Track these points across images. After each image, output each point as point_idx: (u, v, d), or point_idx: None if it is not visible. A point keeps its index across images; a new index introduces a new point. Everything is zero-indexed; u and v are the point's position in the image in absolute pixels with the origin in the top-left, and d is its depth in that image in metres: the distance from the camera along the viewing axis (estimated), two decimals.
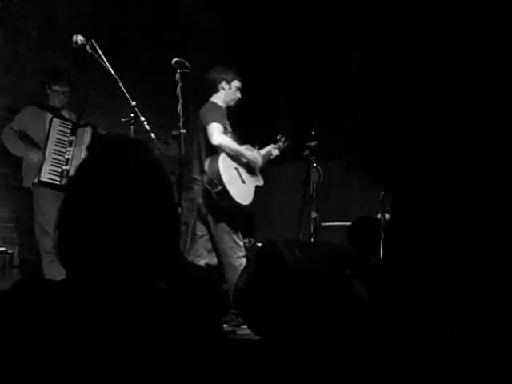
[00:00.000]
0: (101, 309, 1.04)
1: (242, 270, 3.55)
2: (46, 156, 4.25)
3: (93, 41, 3.62)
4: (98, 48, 3.62)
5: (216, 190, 4.08)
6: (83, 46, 3.65)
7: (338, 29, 6.25)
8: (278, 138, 4.77)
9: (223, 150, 4.14)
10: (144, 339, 1.04)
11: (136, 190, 1.10)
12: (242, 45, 6.61)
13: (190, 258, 4.16)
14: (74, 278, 1.09)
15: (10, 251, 4.25)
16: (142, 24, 5.79)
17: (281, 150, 4.74)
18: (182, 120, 3.85)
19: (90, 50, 3.63)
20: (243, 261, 4.21)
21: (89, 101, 5.34)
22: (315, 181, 4.19)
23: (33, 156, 4.26)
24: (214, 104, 4.30)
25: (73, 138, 4.37)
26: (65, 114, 4.46)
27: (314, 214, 4.14)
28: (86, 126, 4.44)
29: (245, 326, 3.72)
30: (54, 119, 4.33)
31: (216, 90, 4.35)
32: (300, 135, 4.66)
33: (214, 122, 4.12)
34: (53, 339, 1.00)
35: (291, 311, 2.90)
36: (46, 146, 4.28)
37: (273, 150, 4.68)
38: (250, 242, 5.38)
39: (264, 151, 4.61)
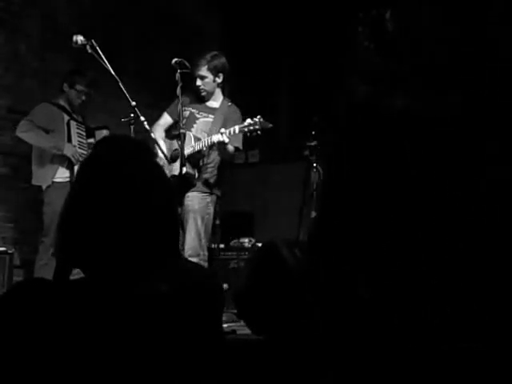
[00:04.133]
0: (103, 310, 1.04)
1: (242, 270, 3.56)
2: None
3: (93, 41, 3.62)
4: (98, 48, 3.62)
5: None
6: (83, 46, 3.65)
7: (339, 28, 6.25)
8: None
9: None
10: (146, 340, 1.04)
11: (135, 190, 1.10)
12: (241, 45, 6.61)
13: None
14: (75, 279, 1.09)
15: (10, 251, 4.24)
16: (142, 24, 5.79)
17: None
18: (181, 120, 3.86)
19: (90, 50, 3.63)
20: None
21: (89, 101, 5.33)
22: (315, 181, 4.18)
23: (70, 148, 4.24)
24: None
25: (92, 140, 4.40)
26: (74, 115, 4.45)
27: (314, 214, 4.14)
28: (101, 128, 4.46)
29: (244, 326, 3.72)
30: (71, 122, 4.33)
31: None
32: (300, 135, 4.64)
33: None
34: (55, 340, 1.00)
35: (291, 311, 2.90)
36: None
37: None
38: (250, 241, 5.38)
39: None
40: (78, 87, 4.38)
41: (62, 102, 4.39)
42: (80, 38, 3.65)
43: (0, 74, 4.75)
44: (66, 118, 4.33)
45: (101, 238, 1.07)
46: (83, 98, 4.41)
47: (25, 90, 4.74)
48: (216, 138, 3.94)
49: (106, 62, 3.60)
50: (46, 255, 4.12)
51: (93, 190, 1.09)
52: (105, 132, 4.40)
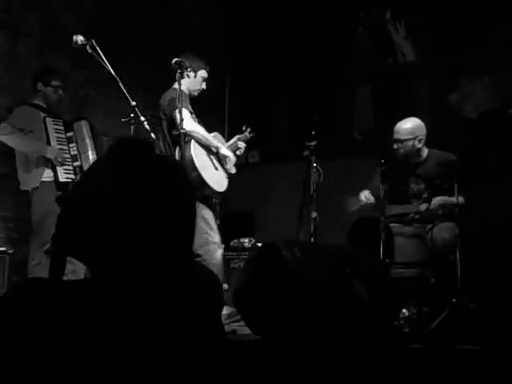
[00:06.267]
0: (106, 309, 1.04)
1: (242, 270, 3.56)
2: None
3: (93, 41, 3.63)
4: (98, 48, 3.62)
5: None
6: (83, 46, 3.65)
7: (341, 29, 6.24)
8: (244, 128, 4.65)
9: (193, 137, 4.07)
10: (147, 340, 1.04)
11: (149, 193, 1.09)
12: (242, 45, 6.61)
13: None
14: (77, 279, 1.09)
15: (9, 251, 4.24)
16: (142, 24, 5.79)
17: (246, 142, 4.60)
18: (182, 120, 3.86)
19: (90, 50, 3.63)
20: (217, 247, 4.20)
21: (89, 101, 5.34)
22: (315, 181, 4.18)
23: (53, 151, 4.20)
24: (178, 90, 4.12)
25: (70, 133, 4.36)
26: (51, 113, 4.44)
27: (313, 214, 4.14)
28: (78, 119, 4.42)
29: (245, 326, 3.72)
30: (47, 118, 4.28)
31: (180, 77, 4.31)
32: (300, 135, 4.64)
33: (179, 108, 3.98)
34: (56, 341, 1.00)
35: (291, 311, 2.90)
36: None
37: (239, 142, 4.55)
38: (250, 241, 5.38)
39: (229, 143, 4.52)
40: (54, 83, 4.38)
41: (38, 102, 4.38)
42: (80, 38, 3.65)
43: (0, 74, 4.74)
44: (42, 115, 4.31)
45: (108, 236, 1.07)
46: (60, 92, 4.41)
47: (25, 90, 4.73)
48: (242, 145, 4.56)
49: (106, 62, 3.61)
50: (37, 255, 4.12)
51: (104, 192, 1.09)
52: (83, 123, 4.38)
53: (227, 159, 4.30)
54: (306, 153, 4.39)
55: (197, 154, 4.07)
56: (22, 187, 4.30)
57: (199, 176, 4.01)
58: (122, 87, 3.58)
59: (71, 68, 4.85)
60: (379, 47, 6.20)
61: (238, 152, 4.52)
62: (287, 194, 5.85)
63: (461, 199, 3.93)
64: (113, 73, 3.60)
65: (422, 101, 5.81)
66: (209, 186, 4.10)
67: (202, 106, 4.44)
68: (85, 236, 1.09)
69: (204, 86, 4.36)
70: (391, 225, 4.08)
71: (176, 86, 4.11)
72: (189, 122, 4.01)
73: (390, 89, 6.06)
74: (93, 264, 1.11)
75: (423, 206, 4.18)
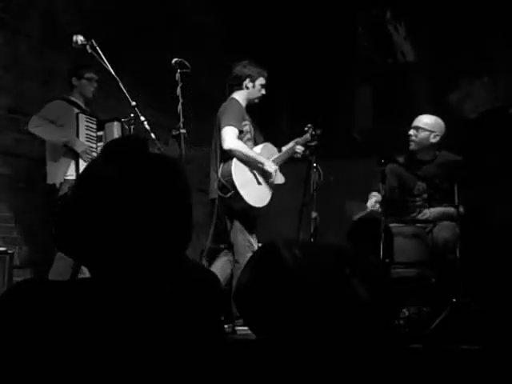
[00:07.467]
0: (105, 309, 1.03)
1: (242, 270, 3.56)
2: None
3: (93, 41, 3.63)
4: (98, 48, 3.62)
5: (228, 195, 4.08)
6: (83, 46, 3.66)
7: (341, 29, 6.24)
8: (306, 128, 4.43)
9: (235, 156, 4.13)
10: (146, 339, 1.04)
11: (145, 195, 1.09)
12: (242, 44, 6.61)
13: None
14: (78, 280, 1.09)
15: (10, 251, 4.24)
16: (142, 24, 5.79)
17: (308, 144, 4.38)
18: (182, 120, 3.86)
19: (90, 50, 3.64)
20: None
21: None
22: (315, 181, 4.18)
23: (81, 145, 4.19)
24: (235, 103, 4.23)
25: (101, 133, 4.36)
26: (87, 108, 4.45)
27: (313, 214, 4.14)
28: (112, 120, 4.39)
29: (245, 326, 3.72)
30: (80, 115, 4.30)
31: (239, 88, 4.31)
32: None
33: (227, 125, 4.09)
34: (55, 341, 1.00)
35: (291, 311, 2.90)
36: None
37: (297, 146, 4.45)
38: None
39: (286, 148, 4.52)
40: (88, 75, 4.39)
41: (73, 98, 4.39)
42: (80, 38, 3.66)
43: (0, 74, 4.74)
44: (76, 111, 4.32)
45: (107, 236, 1.07)
46: (95, 85, 4.42)
47: (25, 90, 4.73)
48: (299, 148, 4.47)
49: (106, 61, 3.61)
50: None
51: (105, 191, 1.08)
52: (116, 124, 4.36)
53: (270, 175, 4.31)
54: (306, 153, 4.39)
55: (237, 172, 4.12)
56: (49, 181, 4.29)
57: (238, 194, 4.09)
58: (122, 87, 3.59)
59: (71, 68, 4.83)
60: (379, 47, 6.21)
61: (295, 156, 4.47)
62: (287, 194, 5.84)
63: (461, 209, 3.91)
64: (113, 73, 3.60)
65: (421, 101, 5.81)
66: (246, 203, 4.14)
67: (202, 106, 4.45)
68: (84, 236, 1.08)
69: (263, 91, 4.35)
70: (391, 225, 4.08)
71: (233, 96, 4.26)
72: (232, 140, 4.08)
73: (390, 89, 6.06)
74: (92, 264, 1.11)
75: (423, 215, 4.18)
